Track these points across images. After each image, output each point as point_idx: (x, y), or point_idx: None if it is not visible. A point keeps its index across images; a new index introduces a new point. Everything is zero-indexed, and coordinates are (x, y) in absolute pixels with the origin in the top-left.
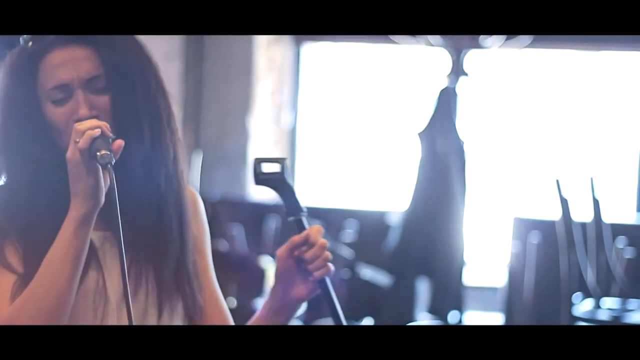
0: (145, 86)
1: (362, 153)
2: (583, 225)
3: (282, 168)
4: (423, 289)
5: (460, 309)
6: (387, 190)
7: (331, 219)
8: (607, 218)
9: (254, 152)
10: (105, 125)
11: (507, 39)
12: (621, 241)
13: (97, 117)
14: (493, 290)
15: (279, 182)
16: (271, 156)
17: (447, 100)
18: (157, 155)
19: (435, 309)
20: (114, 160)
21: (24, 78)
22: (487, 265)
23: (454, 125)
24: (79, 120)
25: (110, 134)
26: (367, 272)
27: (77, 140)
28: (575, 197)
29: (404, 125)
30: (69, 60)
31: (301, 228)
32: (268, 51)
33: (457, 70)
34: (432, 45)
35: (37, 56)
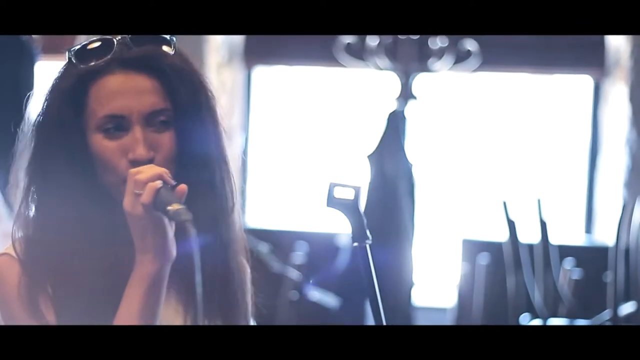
0: (213, 127)
1: (312, 175)
2: (530, 247)
3: (356, 195)
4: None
5: None
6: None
7: (281, 241)
8: (555, 239)
9: None
10: (165, 172)
11: (455, 63)
12: (569, 262)
13: (154, 159)
14: (442, 310)
15: (351, 207)
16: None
17: (395, 123)
18: (222, 204)
19: None
20: (191, 215)
21: (70, 99)
22: (436, 286)
23: (402, 148)
24: (135, 160)
25: (172, 181)
26: (315, 294)
27: (138, 192)
28: (523, 218)
29: (354, 148)
30: (130, 89)
31: (364, 255)
32: (218, 75)
33: (406, 94)
34: (381, 69)
35: (89, 77)
